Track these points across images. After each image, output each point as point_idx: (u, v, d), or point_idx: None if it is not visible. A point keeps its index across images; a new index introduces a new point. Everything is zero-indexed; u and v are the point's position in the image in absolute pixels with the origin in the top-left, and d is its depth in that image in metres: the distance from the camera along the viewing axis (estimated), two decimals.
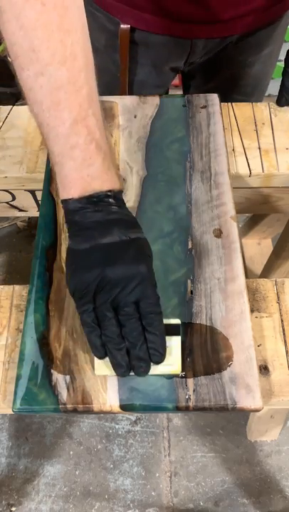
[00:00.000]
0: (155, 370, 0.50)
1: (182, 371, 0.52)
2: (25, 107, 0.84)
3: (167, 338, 0.50)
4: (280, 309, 0.62)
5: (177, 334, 0.52)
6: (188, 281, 0.59)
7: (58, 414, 1.27)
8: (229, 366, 0.53)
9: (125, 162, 0.71)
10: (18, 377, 0.53)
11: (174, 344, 0.51)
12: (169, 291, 0.58)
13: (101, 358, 0.49)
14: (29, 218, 1.69)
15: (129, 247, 0.49)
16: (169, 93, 1.08)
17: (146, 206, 0.66)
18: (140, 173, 0.70)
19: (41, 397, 0.51)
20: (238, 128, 0.80)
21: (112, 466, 1.22)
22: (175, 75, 0.97)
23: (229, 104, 0.83)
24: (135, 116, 0.77)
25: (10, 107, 0.84)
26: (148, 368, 0.49)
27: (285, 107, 0.82)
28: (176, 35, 0.82)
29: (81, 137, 0.47)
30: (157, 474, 1.21)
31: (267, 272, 1.21)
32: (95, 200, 0.49)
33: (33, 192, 0.79)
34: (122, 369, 0.48)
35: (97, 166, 0.48)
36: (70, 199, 0.49)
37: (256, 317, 0.61)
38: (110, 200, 0.49)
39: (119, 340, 0.48)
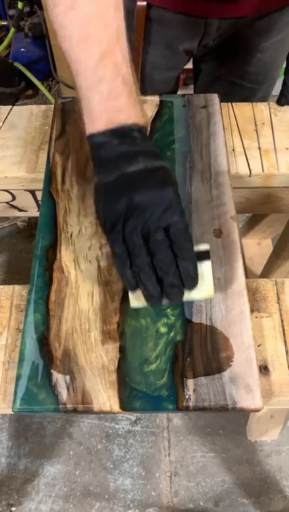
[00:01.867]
0: (189, 295, 0.50)
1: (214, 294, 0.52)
2: (25, 107, 0.84)
3: (198, 263, 0.50)
4: (280, 309, 0.62)
5: (207, 259, 0.51)
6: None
7: (58, 414, 1.27)
8: (229, 366, 0.53)
9: None
10: (18, 377, 0.53)
11: (205, 269, 0.51)
12: None
13: (132, 289, 0.49)
14: (29, 218, 1.69)
15: (155, 174, 0.49)
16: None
17: None
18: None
19: (41, 397, 0.51)
20: (238, 128, 0.80)
21: (112, 466, 1.22)
22: (188, 58, 0.97)
23: (229, 104, 0.83)
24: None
25: (10, 107, 0.84)
26: (182, 294, 0.49)
27: (285, 107, 0.82)
28: (190, 14, 0.83)
29: (108, 71, 0.49)
30: (157, 474, 1.21)
31: (267, 272, 1.21)
32: (120, 134, 0.49)
33: (33, 192, 0.79)
34: (153, 299, 0.48)
35: (122, 99, 0.49)
36: (95, 133, 0.50)
37: (256, 317, 0.61)
38: (135, 134, 0.50)
39: (150, 270, 0.48)
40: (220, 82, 1.00)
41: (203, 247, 0.52)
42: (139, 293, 0.50)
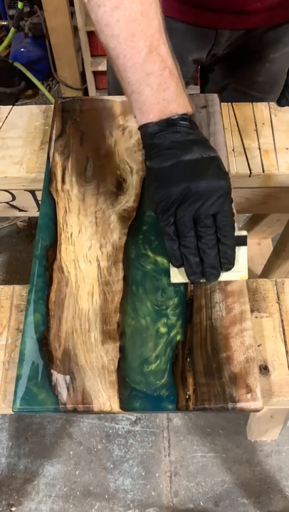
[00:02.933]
0: (224, 276, 0.57)
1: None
2: (25, 107, 0.84)
3: (236, 248, 0.55)
4: (280, 309, 0.62)
5: (244, 244, 0.58)
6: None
7: (58, 414, 1.27)
8: (229, 366, 0.53)
9: (125, 162, 0.71)
10: (18, 377, 0.53)
11: (241, 253, 0.57)
12: (169, 290, 0.58)
13: (178, 266, 0.55)
14: (29, 218, 1.69)
15: (210, 164, 0.53)
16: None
17: (146, 206, 0.66)
18: (140, 173, 0.70)
19: (41, 397, 0.51)
20: (238, 128, 0.80)
21: (112, 466, 1.22)
22: (197, 67, 0.97)
23: (229, 104, 0.83)
24: (135, 116, 0.77)
25: (10, 107, 0.84)
26: (218, 275, 0.56)
27: (285, 107, 0.82)
28: (201, 25, 0.83)
29: (156, 64, 0.52)
30: (157, 474, 1.21)
31: (267, 271, 1.21)
32: (172, 123, 0.53)
33: (33, 192, 0.79)
34: (195, 275, 0.55)
35: (172, 90, 0.52)
36: (149, 123, 0.53)
37: (256, 317, 0.61)
38: (186, 123, 0.53)
39: (195, 251, 0.53)
40: (227, 91, 0.99)
41: (242, 233, 0.57)
42: (180, 270, 0.56)
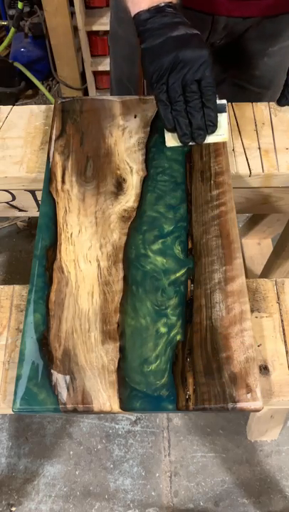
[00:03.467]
0: (209, 139, 0.69)
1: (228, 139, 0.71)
2: (25, 107, 0.84)
3: (218, 114, 0.67)
4: (280, 309, 0.62)
5: (225, 111, 0.69)
6: (188, 281, 0.59)
7: (58, 414, 1.27)
8: (229, 366, 0.53)
9: (125, 162, 0.71)
10: (18, 377, 0.53)
11: (222, 119, 0.68)
12: (169, 290, 0.58)
13: (171, 130, 0.67)
14: (29, 218, 1.69)
15: (194, 38, 0.63)
16: None
17: (147, 206, 0.66)
18: (140, 173, 0.70)
19: (41, 397, 0.51)
20: (238, 128, 0.80)
21: (112, 466, 1.22)
22: None
23: (229, 104, 0.83)
24: (135, 116, 0.77)
25: (10, 107, 0.84)
26: (205, 137, 0.67)
27: (286, 107, 0.82)
28: (197, 9, 0.84)
29: None
30: (157, 474, 1.21)
31: (267, 272, 1.21)
32: (160, 9, 0.64)
33: (33, 192, 0.79)
34: (186, 136, 0.67)
35: None
36: (141, 11, 0.64)
37: (256, 317, 0.61)
38: (171, 10, 0.64)
39: (185, 114, 0.65)
40: (225, 85, 0.99)
41: (222, 101, 0.68)
42: (173, 135, 0.68)
